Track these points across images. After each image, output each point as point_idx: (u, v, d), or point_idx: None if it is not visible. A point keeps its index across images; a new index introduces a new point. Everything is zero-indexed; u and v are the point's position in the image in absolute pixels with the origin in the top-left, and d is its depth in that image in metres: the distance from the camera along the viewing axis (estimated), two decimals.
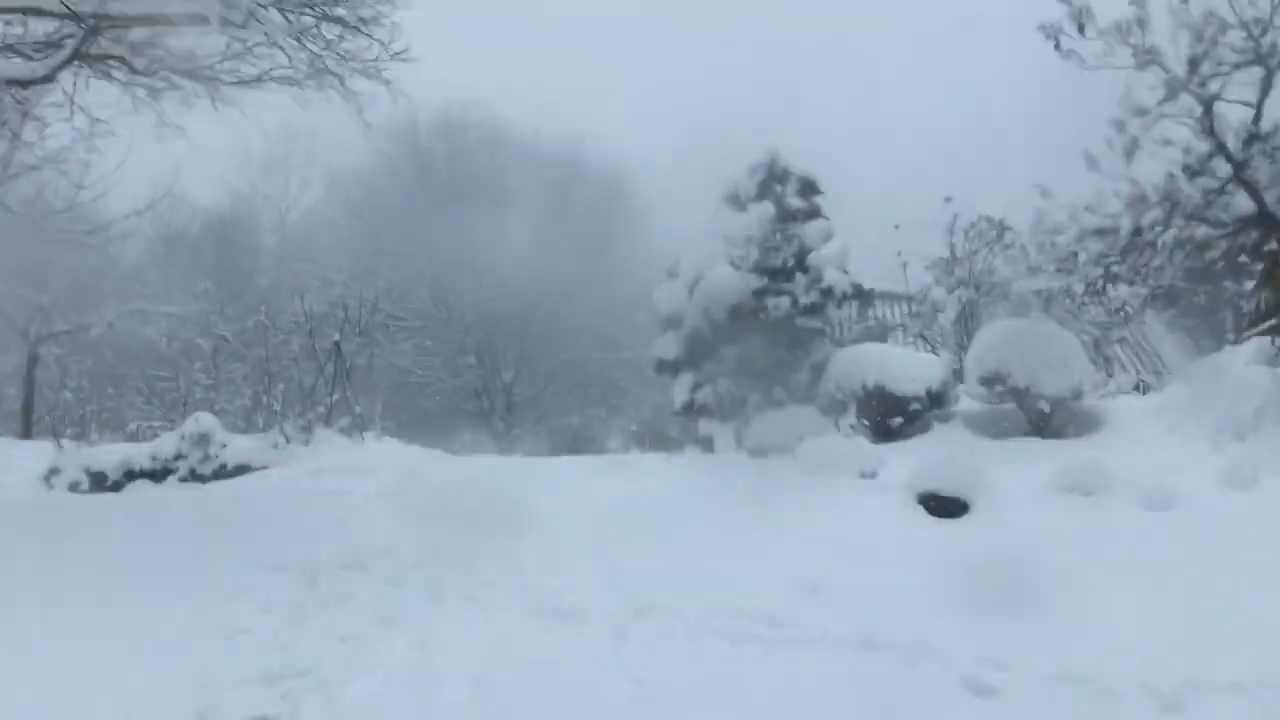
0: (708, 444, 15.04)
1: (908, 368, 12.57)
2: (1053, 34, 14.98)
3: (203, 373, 27.30)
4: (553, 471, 14.60)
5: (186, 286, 22.54)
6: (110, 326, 20.01)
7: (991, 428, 12.45)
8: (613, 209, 31.13)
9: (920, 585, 7.76)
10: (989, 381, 12.16)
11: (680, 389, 15.52)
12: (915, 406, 12.59)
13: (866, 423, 11.99)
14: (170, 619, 7.64)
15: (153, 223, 29.04)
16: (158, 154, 16.58)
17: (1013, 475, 9.97)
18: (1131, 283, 17.08)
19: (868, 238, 15.93)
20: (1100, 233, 18.67)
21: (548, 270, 28.98)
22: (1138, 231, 17.80)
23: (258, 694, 6.41)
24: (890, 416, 12.62)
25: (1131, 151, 18.29)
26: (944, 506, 9.38)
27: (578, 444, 30.50)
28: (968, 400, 13.19)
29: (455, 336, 29.75)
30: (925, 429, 12.50)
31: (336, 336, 18.59)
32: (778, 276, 15.57)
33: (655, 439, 24.91)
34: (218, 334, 21.91)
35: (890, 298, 17.26)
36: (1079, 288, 16.94)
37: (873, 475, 10.98)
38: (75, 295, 20.58)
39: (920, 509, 9.50)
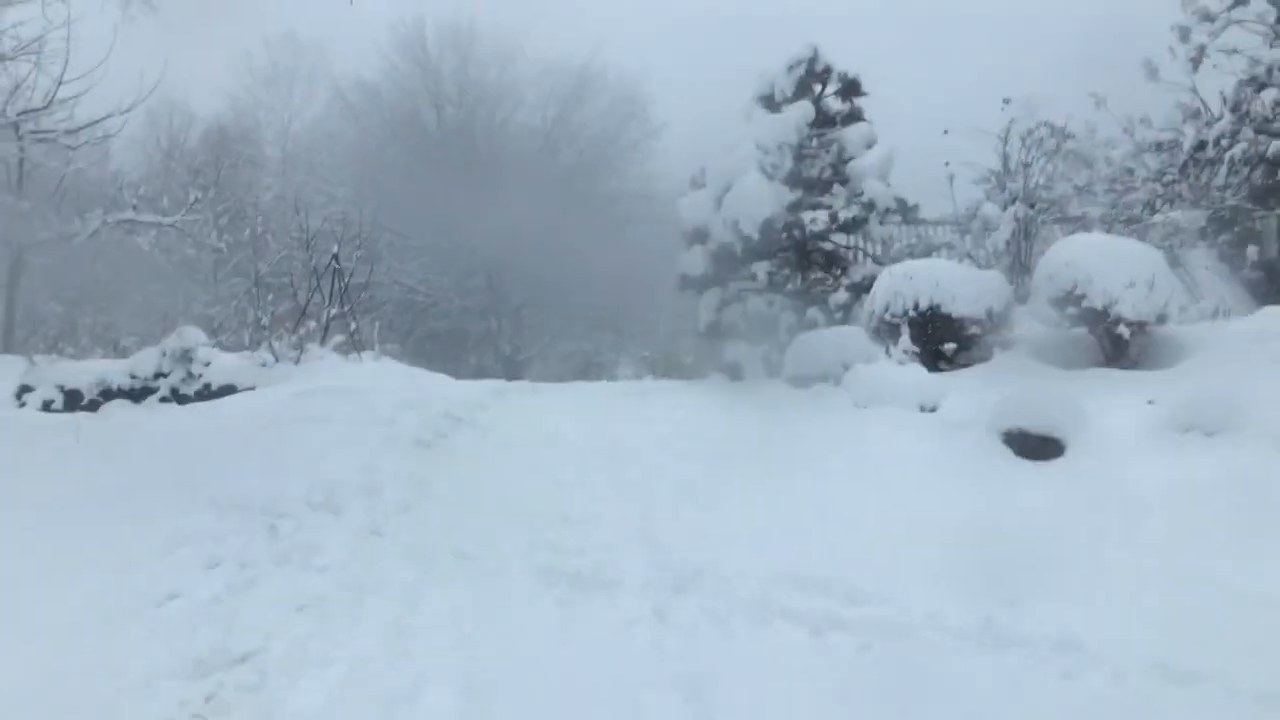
0: (735, 370, 13.21)
1: (966, 286, 10.70)
2: None
3: (201, 287, 25.46)
4: (564, 400, 12.79)
5: (180, 197, 20.52)
6: (95, 235, 18.06)
7: (1059, 355, 10.62)
8: (625, 125, 28.90)
9: (1030, 549, 5.94)
10: (1061, 302, 10.28)
11: (705, 308, 13.67)
12: (974, 330, 10.75)
13: (916, 349, 10.08)
14: (86, 576, 5.84)
15: (147, 129, 27.05)
16: (148, 53, 14.44)
17: (1104, 411, 8.10)
18: (1196, 203, 15.03)
19: (907, 146, 13.86)
20: (1159, 147, 16.55)
21: (558, 189, 26.91)
22: (1201, 145, 15.78)
23: (173, 692, 4.63)
24: (946, 341, 10.72)
25: (1198, 61, 16.20)
26: (1035, 446, 7.58)
27: (588, 370, 28.70)
28: (1028, 325, 11.30)
29: (463, 256, 27.74)
30: (985, 356, 10.65)
31: (335, 249, 16.69)
32: (814, 188, 13.65)
33: (669, 365, 23.07)
34: (213, 246, 20.02)
35: (927, 223, 15.24)
36: (1136, 209, 14.93)
37: (933, 409, 9.17)
38: (58, 201, 18.59)
39: (1007, 450, 7.66)
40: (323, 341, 16.13)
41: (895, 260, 13.53)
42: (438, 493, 7.92)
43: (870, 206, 13.04)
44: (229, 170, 25.79)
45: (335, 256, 16.51)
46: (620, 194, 28.06)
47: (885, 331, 11.07)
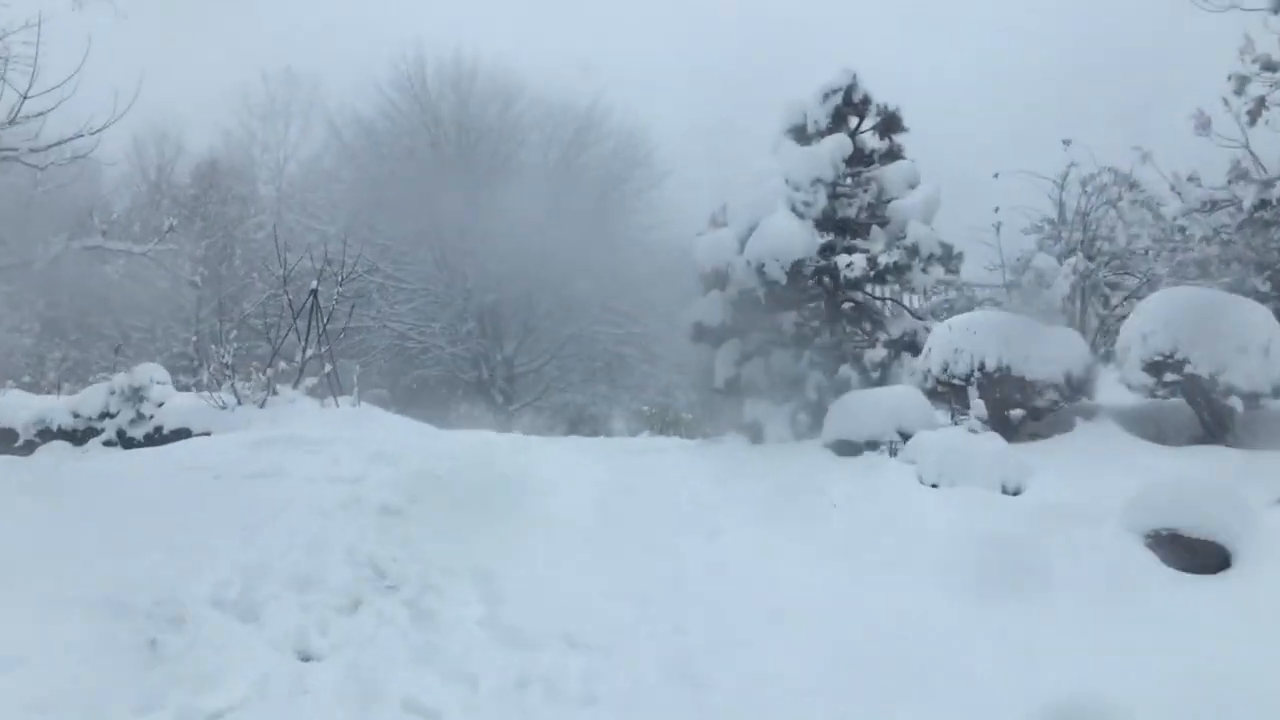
0: (755, 431, 11.12)
1: (1041, 345, 8.71)
2: None
3: (182, 324, 23.36)
4: (561, 458, 10.71)
5: (157, 225, 18.49)
6: (57, 262, 16.00)
7: (1150, 428, 8.59)
8: (629, 171, 27.02)
9: None
10: (1157, 367, 8.26)
11: (724, 361, 11.59)
12: (1051, 396, 8.68)
13: (979, 416, 8.03)
14: None
15: (134, 158, 25.07)
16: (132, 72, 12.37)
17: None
18: (1261, 266, 13.05)
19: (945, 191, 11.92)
20: (1214, 205, 14.50)
21: (558, 235, 24.93)
22: (1263, 204, 13.84)
23: None
24: (1015, 408, 8.67)
25: (1256, 113, 14.29)
26: (1193, 556, 5.47)
27: (580, 421, 26.55)
28: (1110, 391, 9.29)
29: (457, 301, 25.71)
30: (1066, 426, 8.57)
31: (315, 284, 14.61)
32: (849, 230, 11.67)
33: (667, 421, 21.00)
34: (188, 279, 17.97)
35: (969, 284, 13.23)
36: (1190, 268, 12.98)
37: (1017, 490, 7.11)
38: (20, 225, 16.51)
39: (1151, 557, 5.57)
40: (296, 384, 14.04)
41: (935, 315, 11.53)
42: (399, 583, 5.79)
43: (913, 252, 11.04)
44: (218, 205, 23.77)
45: (314, 292, 14.45)
46: (622, 241, 26.12)
47: (943, 395, 9.03)
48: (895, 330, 11.34)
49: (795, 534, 6.64)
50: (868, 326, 11.93)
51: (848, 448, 8.67)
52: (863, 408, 8.74)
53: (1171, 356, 8.19)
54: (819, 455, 8.83)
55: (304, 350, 14.42)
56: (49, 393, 16.44)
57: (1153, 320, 8.42)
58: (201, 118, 27.09)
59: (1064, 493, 6.90)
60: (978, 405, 8.01)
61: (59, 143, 13.83)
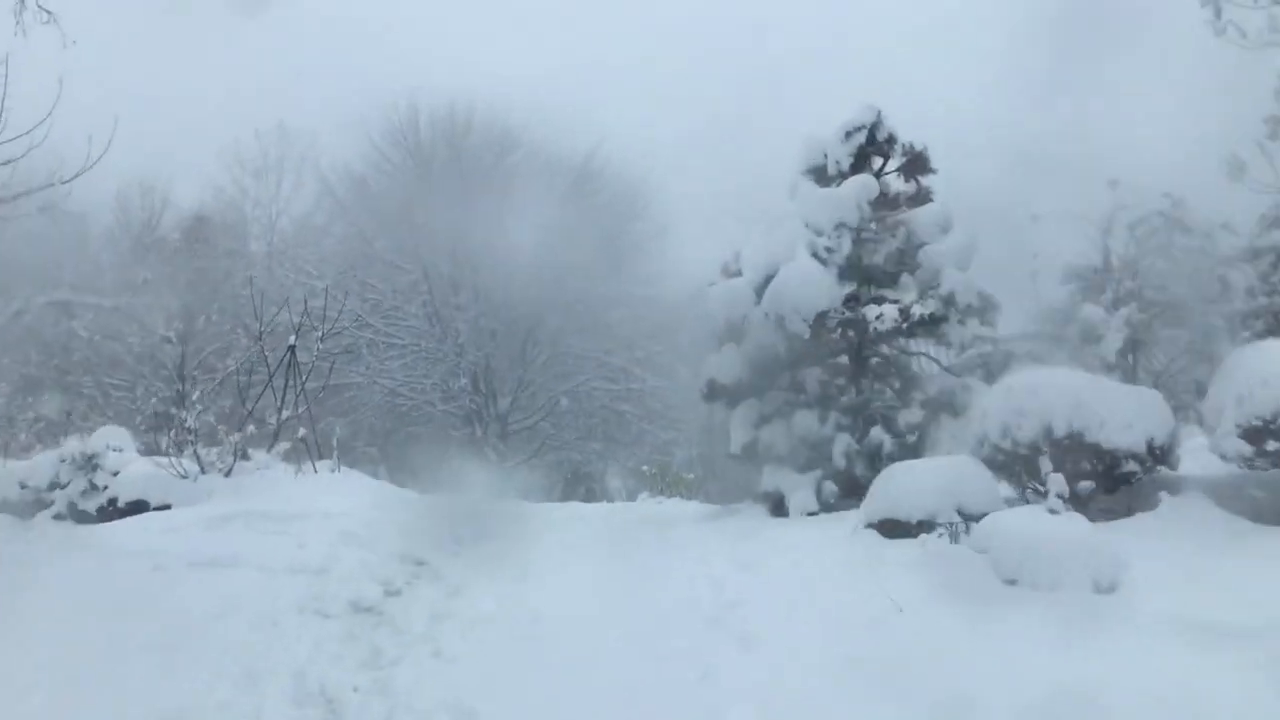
0: (774, 500, 9.71)
1: (1118, 408, 7.28)
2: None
3: (166, 382, 21.83)
4: (564, 530, 9.28)
5: (147, 281, 17.09)
6: (18, 317, 14.60)
7: (1249, 504, 7.15)
8: (627, 224, 25.74)
9: None
10: (1256, 434, 6.85)
11: (741, 424, 10.18)
12: (1130, 466, 7.25)
13: (1060, 493, 6.59)
14: None
15: (116, 211, 23.71)
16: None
17: None
18: None
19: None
20: (1256, 255, 13.15)
21: (553, 289, 23.58)
22: None
23: None
24: (1088, 478, 7.25)
25: None
26: None
27: (576, 480, 25.03)
28: (1192, 459, 7.91)
29: (449, 357, 24.29)
30: (1147, 501, 7.15)
31: (292, 339, 13.17)
32: (875, 279, 10.33)
33: (667, 482, 19.50)
34: (163, 334, 16.54)
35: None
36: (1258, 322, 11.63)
37: (1111, 588, 5.68)
38: None
39: None
40: (271, 448, 12.56)
41: (970, 371, 10.16)
42: None
43: (949, 302, 9.70)
44: (204, 260, 22.36)
45: (291, 348, 13.02)
46: (619, 295, 24.73)
47: (1003, 465, 7.60)
48: (931, 389, 9.94)
49: (853, 649, 5.17)
50: (896, 384, 10.54)
51: (896, 528, 7.22)
52: (914, 481, 7.31)
53: (1274, 422, 6.80)
54: (861, 536, 7.35)
55: (280, 411, 12.98)
56: (20, 456, 14.95)
57: (1248, 380, 7.04)
58: (193, 174, 25.81)
59: (1171, 592, 5.46)
60: (1056, 479, 6.57)
61: (26, 193, 12.41)
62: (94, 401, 22.49)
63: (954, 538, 6.70)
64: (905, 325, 9.65)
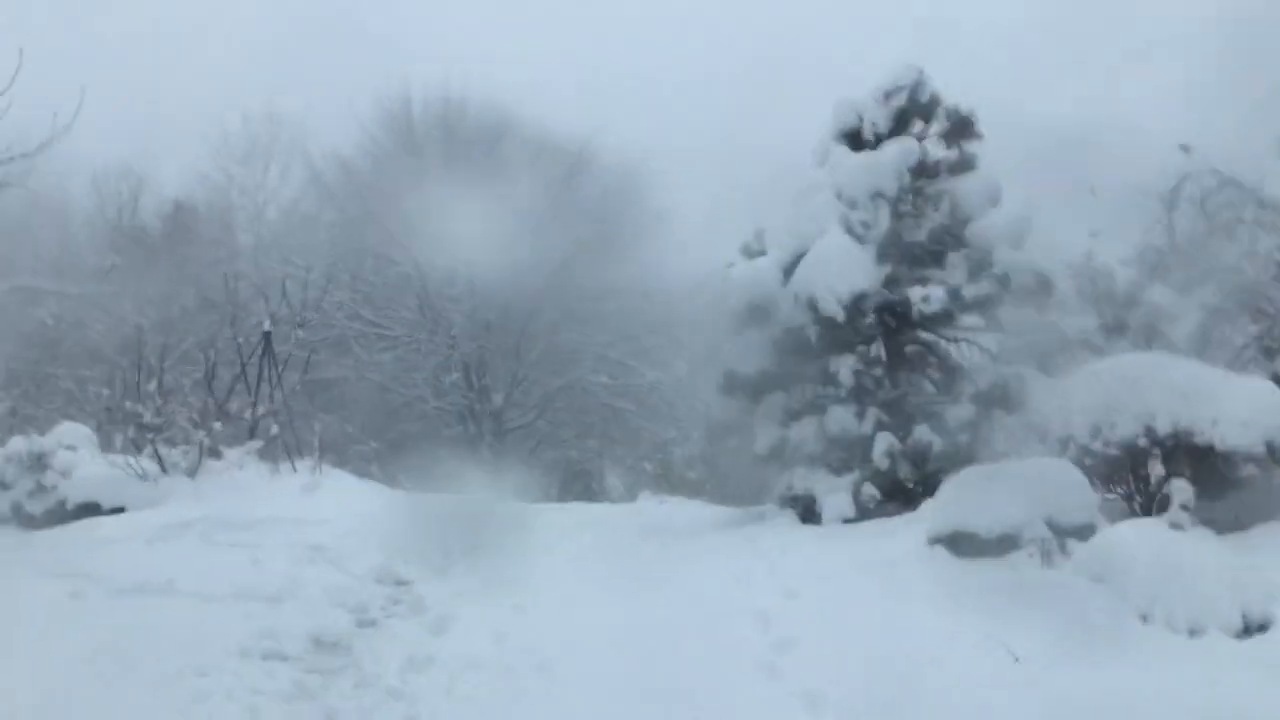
0: (805, 505, 8.36)
1: (1229, 401, 5.88)
2: None
3: (146, 373, 20.34)
4: (569, 539, 7.95)
5: (115, 267, 15.65)
6: None
7: None
8: (625, 211, 24.25)
9: None
10: None
11: (766, 421, 8.85)
12: (1249, 470, 5.90)
13: (1185, 504, 5.24)
14: None
15: (91, 195, 22.21)
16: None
17: None
18: None
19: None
20: None
21: (549, 280, 22.13)
22: None
23: None
24: (1194, 483, 5.90)
25: None
26: None
27: (573, 478, 23.62)
28: None
29: (441, 350, 22.85)
30: (1265, 510, 5.80)
31: (267, 325, 11.78)
32: (915, 257, 8.98)
33: (671, 481, 18.18)
34: (134, 323, 15.12)
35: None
36: None
37: (1262, 626, 4.31)
38: None
39: None
40: (252, 437, 11.16)
41: (1019, 360, 8.78)
42: None
43: (1003, 283, 8.32)
44: (185, 247, 20.87)
45: (267, 336, 11.64)
46: (618, 286, 23.27)
47: (1092, 469, 6.25)
48: (981, 381, 8.57)
49: (966, 715, 3.80)
50: (937, 375, 9.19)
51: (970, 544, 5.87)
52: (993, 488, 5.95)
53: None
54: (927, 554, 5.99)
55: (254, 405, 11.60)
56: None
57: None
58: (177, 160, 24.20)
59: None
60: (1181, 488, 5.24)
61: None
62: (71, 395, 21.04)
63: (1046, 558, 5.36)
64: (957, 307, 8.30)
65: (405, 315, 23.20)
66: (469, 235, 22.53)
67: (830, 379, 8.72)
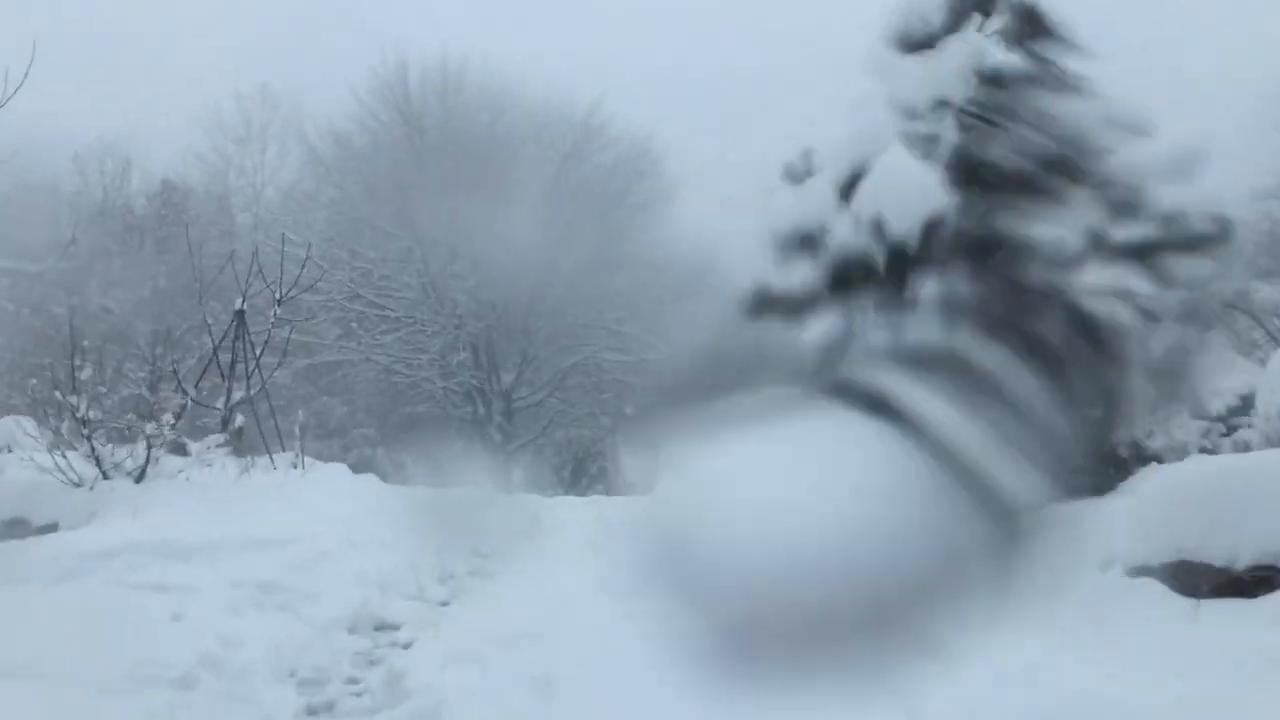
0: None
1: None
2: None
3: (137, 361, 18.28)
4: (600, 559, 5.90)
5: (75, 243, 13.48)
6: None
7: None
8: (634, 183, 22.12)
9: None
10: None
11: (814, 333, 6.82)
12: None
13: None
14: None
15: (77, 179, 20.03)
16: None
17: None
18: None
19: None
20: None
21: (557, 255, 19.95)
22: None
23: None
24: None
25: None
26: None
27: (586, 459, 21.55)
28: None
29: (448, 330, 20.82)
30: None
31: (240, 302, 9.67)
32: (1002, 182, 6.83)
33: None
34: (103, 306, 13.05)
35: None
36: None
37: None
38: None
39: None
40: (225, 428, 9.08)
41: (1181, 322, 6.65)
42: None
43: (1170, 225, 6.22)
44: (175, 227, 18.71)
45: (240, 312, 9.55)
46: (629, 260, 21.11)
47: None
48: (1145, 348, 6.42)
49: None
50: (1089, 340, 7.03)
51: (1205, 579, 3.73)
52: (1220, 494, 3.82)
53: None
54: (1137, 589, 3.87)
55: (228, 394, 9.52)
56: None
57: None
58: (170, 141, 22.00)
59: None
60: None
61: None
62: (48, 383, 18.91)
63: None
64: (1104, 254, 6.16)
65: (407, 295, 21.08)
66: (472, 209, 20.48)
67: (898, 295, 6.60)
